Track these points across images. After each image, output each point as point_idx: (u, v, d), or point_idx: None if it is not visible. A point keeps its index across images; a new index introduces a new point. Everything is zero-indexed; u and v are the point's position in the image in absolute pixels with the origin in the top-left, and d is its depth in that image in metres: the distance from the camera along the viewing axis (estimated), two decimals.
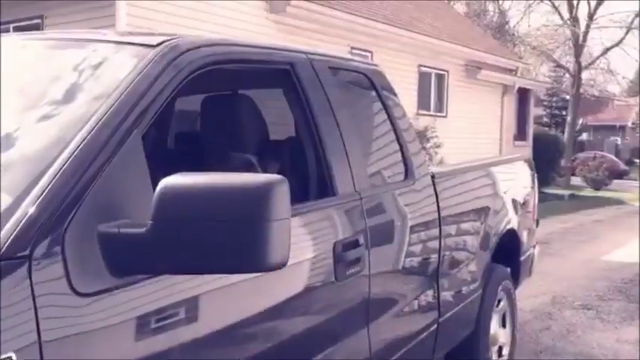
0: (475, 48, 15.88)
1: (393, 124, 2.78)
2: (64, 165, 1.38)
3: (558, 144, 20.56)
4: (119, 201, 1.44)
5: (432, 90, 14.87)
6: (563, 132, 24.64)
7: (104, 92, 1.59)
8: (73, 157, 1.40)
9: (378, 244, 2.38)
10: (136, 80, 1.61)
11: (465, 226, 3.26)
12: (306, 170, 2.26)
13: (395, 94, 2.93)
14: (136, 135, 1.53)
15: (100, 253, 1.36)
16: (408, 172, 2.78)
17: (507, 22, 32.84)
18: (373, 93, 2.77)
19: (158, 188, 1.34)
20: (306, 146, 2.26)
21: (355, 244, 2.19)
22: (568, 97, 26.98)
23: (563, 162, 21.17)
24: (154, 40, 1.80)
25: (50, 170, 1.37)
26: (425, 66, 14.37)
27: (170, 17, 8.61)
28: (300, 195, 2.15)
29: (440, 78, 15.10)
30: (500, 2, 32.71)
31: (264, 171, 2.29)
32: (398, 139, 2.78)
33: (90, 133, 1.45)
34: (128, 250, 1.36)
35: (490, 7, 33.33)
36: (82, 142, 1.43)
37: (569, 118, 24.41)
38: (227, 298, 1.67)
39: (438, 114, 14.77)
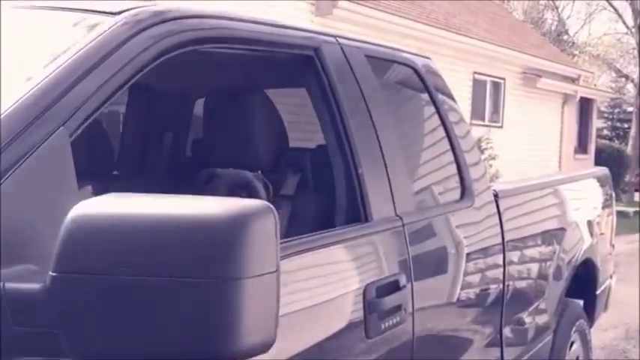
0: (534, 54, 15.11)
1: (446, 129, 2.24)
2: None
3: (623, 158, 19.58)
4: (17, 237, 0.94)
5: (487, 99, 14.18)
6: (626, 145, 23.49)
7: (25, 75, 1.10)
8: None
9: (426, 287, 1.82)
10: (73, 59, 1.12)
11: (534, 254, 2.70)
12: (332, 188, 1.73)
13: (450, 94, 2.39)
14: (61, 135, 1.03)
15: None
16: (465, 190, 2.22)
17: (566, 31, 31.69)
18: (423, 91, 2.24)
19: (65, 221, 0.83)
20: (333, 157, 1.74)
21: (395, 287, 1.65)
22: (631, 108, 25.79)
23: (627, 177, 20.12)
24: (119, 7, 1.30)
25: None
26: (480, 73, 13.71)
27: None
28: (321, 221, 1.64)
29: (496, 86, 14.39)
30: (560, 9, 31.58)
31: (278, 189, 1.77)
32: (453, 148, 2.23)
33: None
34: (15, 317, 0.86)
35: (548, 15, 32.21)
36: None
37: (632, 131, 23.23)
38: None
39: (493, 124, 14.09)
